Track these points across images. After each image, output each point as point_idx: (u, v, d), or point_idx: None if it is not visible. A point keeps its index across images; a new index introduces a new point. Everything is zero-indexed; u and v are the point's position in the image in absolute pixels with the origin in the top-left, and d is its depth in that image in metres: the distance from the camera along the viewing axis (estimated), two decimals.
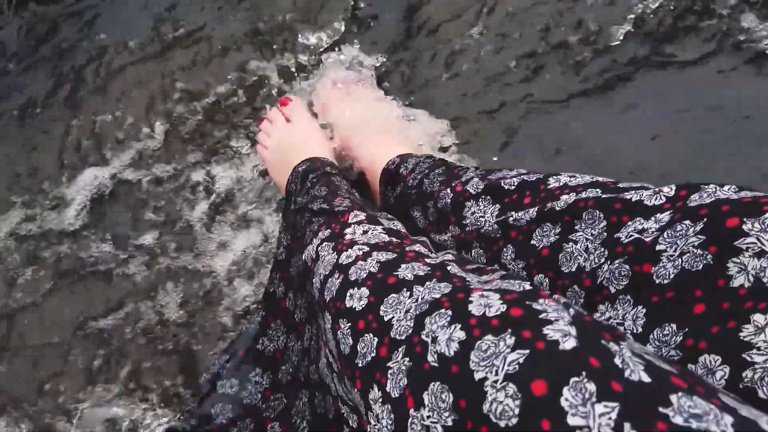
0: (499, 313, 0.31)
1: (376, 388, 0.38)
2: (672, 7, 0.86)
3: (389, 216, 0.64)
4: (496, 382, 0.28)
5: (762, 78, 0.81)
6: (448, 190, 0.63)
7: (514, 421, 0.26)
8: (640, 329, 0.38)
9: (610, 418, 0.24)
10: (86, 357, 0.82)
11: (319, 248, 0.56)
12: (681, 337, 0.36)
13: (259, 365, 0.72)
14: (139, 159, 0.92)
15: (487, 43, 0.90)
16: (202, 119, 0.93)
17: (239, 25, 0.98)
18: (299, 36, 0.95)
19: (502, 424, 0.26)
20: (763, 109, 0.78)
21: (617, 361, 0.26)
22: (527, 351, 0.28)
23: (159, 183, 0.91)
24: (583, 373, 0.26)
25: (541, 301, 0.32)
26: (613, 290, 0.42)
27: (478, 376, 0.29)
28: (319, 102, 0.87)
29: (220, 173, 0.89)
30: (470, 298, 0.34)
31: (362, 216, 0.60)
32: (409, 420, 0.33)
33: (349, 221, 0.58)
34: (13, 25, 1.07)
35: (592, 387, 0.25)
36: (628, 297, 0.40)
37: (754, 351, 0.32)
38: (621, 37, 0.87)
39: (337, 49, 0.94)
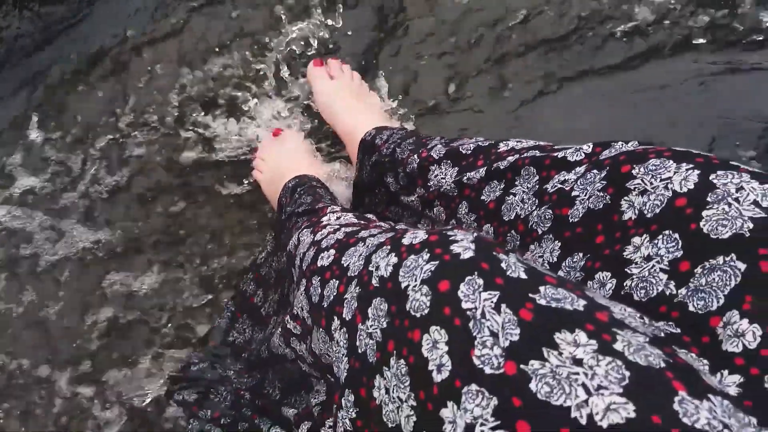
0: (421, 240, 0.40)
1: (335, 319, 0.46)
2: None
3: (364, 213, 0.75)
4: (415, 286, 0.36)
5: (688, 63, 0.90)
6: (416, 156, 0.71)
7: (426, 311, 0.35)
8: (555, 259, 0.47)
9: (492, 302, 0.33)
10: None
11: (300, 235, 0.65)
12: (584, 262, 0.44)
13: (231, 355, 0.84)
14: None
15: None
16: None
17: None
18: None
19: (418, 315, 0.35)
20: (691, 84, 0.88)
21: (503, 265, 0.35)
22: (437, 261, 0.37)
23: None
24: (476, 273, 0.34)
25: (454, 231, 0.40)
26: (540, 231, 0.50)
27: (403, 285, 0.37)
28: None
29: None
30: (404, 235, 0.43)
31: (338, 208, 0.69)
32: (357, 333, 0.41)
33: (327, 212, 0.69)
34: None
35: (480, 281, 0.34)
36: (551, 236, 0.49)
37: (633, 265, 0.40)
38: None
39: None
